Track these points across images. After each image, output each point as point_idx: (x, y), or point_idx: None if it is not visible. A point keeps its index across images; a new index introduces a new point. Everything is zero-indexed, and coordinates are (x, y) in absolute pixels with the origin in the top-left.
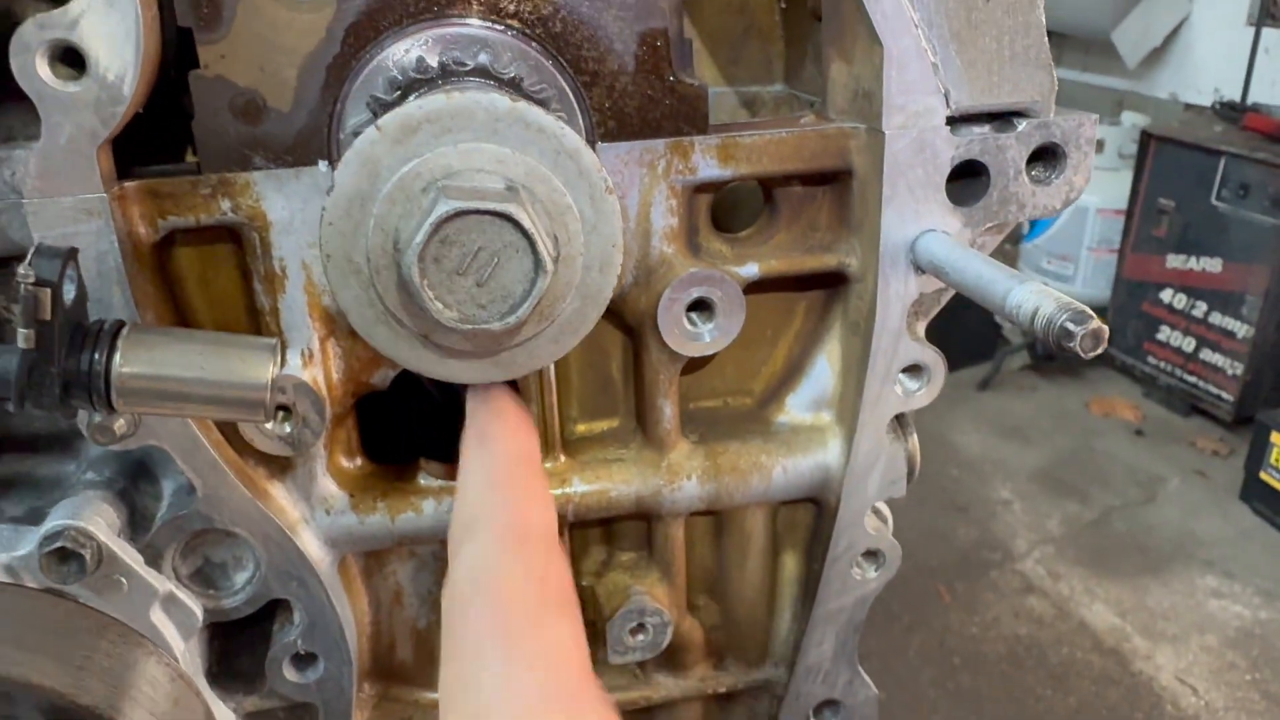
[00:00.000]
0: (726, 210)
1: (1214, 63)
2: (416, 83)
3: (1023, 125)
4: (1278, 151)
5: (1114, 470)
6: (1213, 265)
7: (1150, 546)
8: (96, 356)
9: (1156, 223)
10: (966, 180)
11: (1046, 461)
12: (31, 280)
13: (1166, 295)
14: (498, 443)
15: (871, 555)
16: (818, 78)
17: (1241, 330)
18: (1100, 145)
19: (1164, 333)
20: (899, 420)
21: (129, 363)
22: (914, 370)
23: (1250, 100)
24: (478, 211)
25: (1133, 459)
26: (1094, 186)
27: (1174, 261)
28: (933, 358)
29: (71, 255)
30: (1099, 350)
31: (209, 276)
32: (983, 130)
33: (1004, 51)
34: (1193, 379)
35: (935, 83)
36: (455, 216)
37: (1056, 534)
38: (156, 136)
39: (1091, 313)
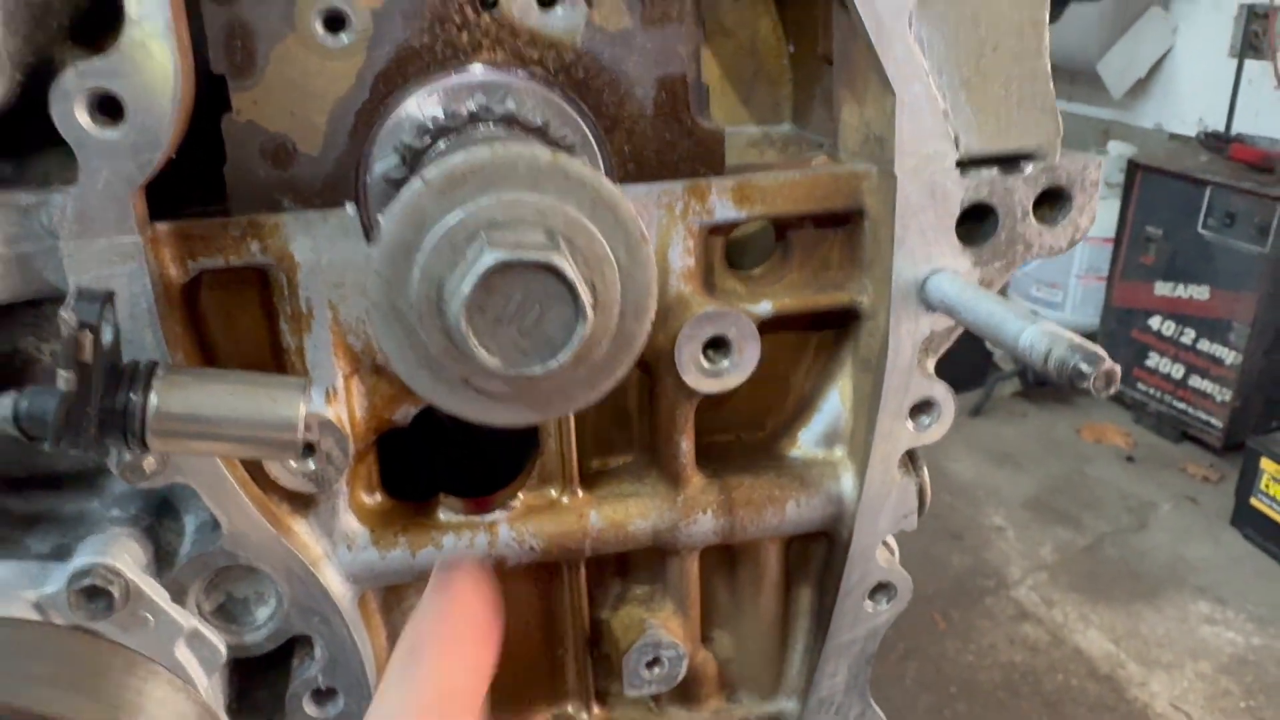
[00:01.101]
0: (738, 247)
1: (1198, 93)
2: (445, 130)
3: (1030, 168)
4: (1263, 181)
5: (1106, 496)
6: (1200, 293)
7: (1143, 573)
8: (132, 397)
9: (1144, 251)
10: (975, 221)
11: (1038, 488)
12: (73, 324)
13: (1155, 322)
14: (430, 667)
15: (883, 588)
16: (825, 119)
17: (1230, 357)
18: None
19: (1153, 359)
20: (910, 455)
21: (164, 402)
22: (925, 406)
23: (1234, 130)
24: (522, 263)
25: (1124, 485)
26: None
27: (1162, 289)
28: (943, 393)
29: (109, 298)
30: (1112, 390)
31: (233, 315)
32: (991, 173)
33: (1011, 98)
34: (1182, 405)
35: (946, 128)
36: (501, 268)
37: (1050, 560)
38: (180, 173)
39: (1103, 353)
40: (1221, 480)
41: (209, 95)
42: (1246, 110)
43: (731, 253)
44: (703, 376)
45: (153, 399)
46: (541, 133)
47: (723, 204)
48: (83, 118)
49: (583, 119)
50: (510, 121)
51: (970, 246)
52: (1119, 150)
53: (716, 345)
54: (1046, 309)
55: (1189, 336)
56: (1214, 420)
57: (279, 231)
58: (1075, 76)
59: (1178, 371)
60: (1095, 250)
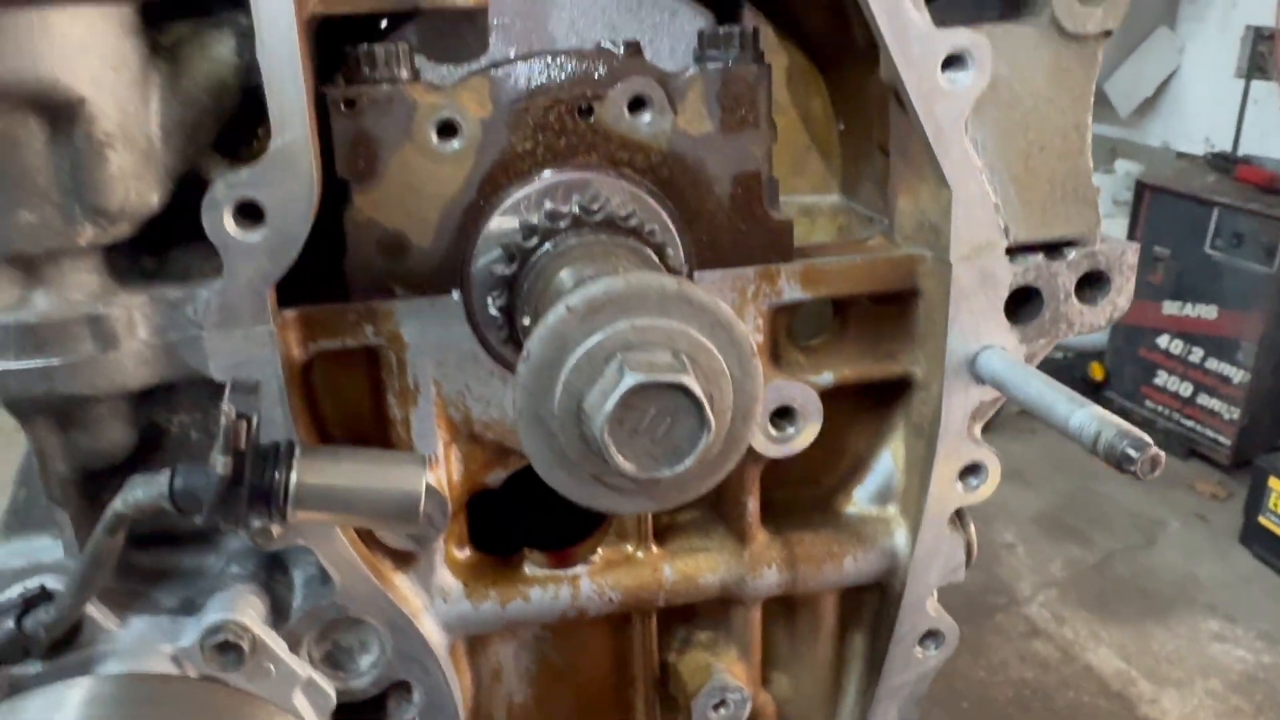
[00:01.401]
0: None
1: (1204, 113)
2: (550, 231)
3: (1072, 254)
4: (1269, 203)
5: (1114, 513)
6: (1208, 312)
7: (1152, 590)
8: (278, 475)
9: (1152, 270)
10: (1022, 302)
11: (1047, 504)
12: (233, 415)
13: (1163, 341)
14: None
15: (932, 635)
16: (874, 195)
17: (1237, 376)
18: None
19: (1161, 378)
20: (958, 512)
21: (304, 480)
22: (974, 469)
23: (1240, 150)
24: (658, 384)
25: (1132, 502)
26: None
27: (1170, 308)
28: (990, 457)
29: (256, 389)
30: (1156, 474)
31: (341, 389)
32: (1037, 259)
33: (1056, 192)
34: (1190, 423)
35: (997, 219)
36: (639, 388)
37: (1060, 577)
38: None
39: (1148, 440)
40: (1230, 498)
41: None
42: (1253, 131)
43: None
44: (770, 443)
45: (294, 478)
46: (638, 233)
47: (791, 287)
48: (229, 224)
49: (666, 213)
50: (610, 224)
51: (1017, 325)
52: (1126, 168)
53: (782, 414)
54: None
55: (1197, 355)
56: (1222, 438)
57: (391, 317)
58: None
59: (1186, 390)
60: None
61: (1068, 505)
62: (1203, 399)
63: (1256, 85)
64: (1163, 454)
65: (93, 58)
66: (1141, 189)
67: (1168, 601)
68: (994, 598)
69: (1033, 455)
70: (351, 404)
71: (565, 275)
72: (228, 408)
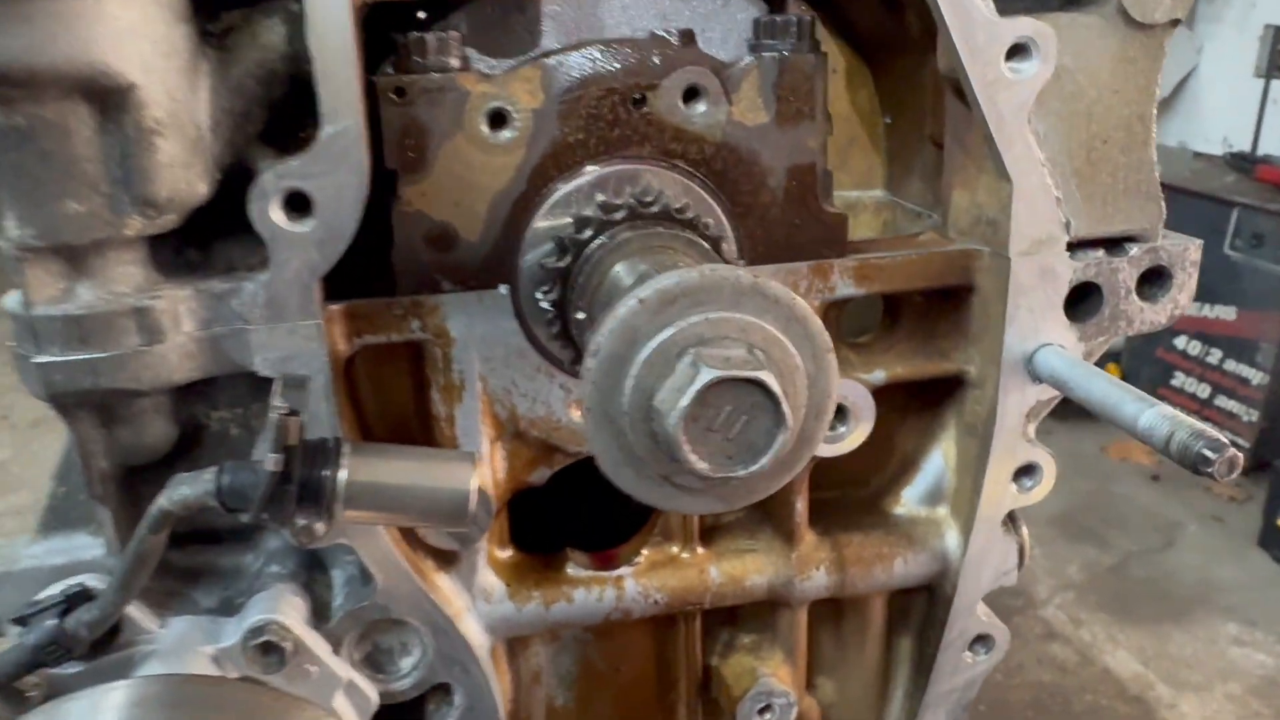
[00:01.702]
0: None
1: (1222, 113)
2: (604, 224)
3: (1134, 250)
4: None
5: (1132, 515)
6: (1227, 313)
7: (1170, 593)
8: (326, 474)
9: None
10: (1081, 298)
11: (1064, 506)
12: (284, 410)
13: (1181, 342)
14: None
15: (982, 639)
16: (922, 190)
17: (1256, 377)
18: None
19: (1179, 379)
20: (1010, 514)
21: (354, 478)
22: (1028, 470)
23: (1260, 150)
24: (734, 379)
25: (1150, 504)
26: None
27: (1188, 309)
28: (1045, 458)
29: (305, 385)
30: (1234, 476)
31: (385, 384)
32: (1098, 255)
33: (1118, 185)
34: (1208, 425)
35: (1058, 214)
36: (714, 384)
37: (1077, 580)
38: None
39: (1225, 440)
40: (1248, 500)
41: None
42: (1272, 130)
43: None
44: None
45: (342, 475)
46: (694, 225)
47: (844, 282)
48: (277, 215)
49: (719, 205)
50: (666, 216)
51: (1076, 322)
52: None
53: (835, 412)
54: None
55: (1215, 356)
56: (1240, 440)
57: (438, 311)
58: None
59: (1204, 391)
60: None
61: (1084, 507)
62: (1221, 400)
63: (1276, 85)
64: (1240, 455)
65: (144, 43)
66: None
67: (1186, 604)
68: (1011, 600)
69: None
70: (395, 400)
71: (622, 269)
72: (280, 403)
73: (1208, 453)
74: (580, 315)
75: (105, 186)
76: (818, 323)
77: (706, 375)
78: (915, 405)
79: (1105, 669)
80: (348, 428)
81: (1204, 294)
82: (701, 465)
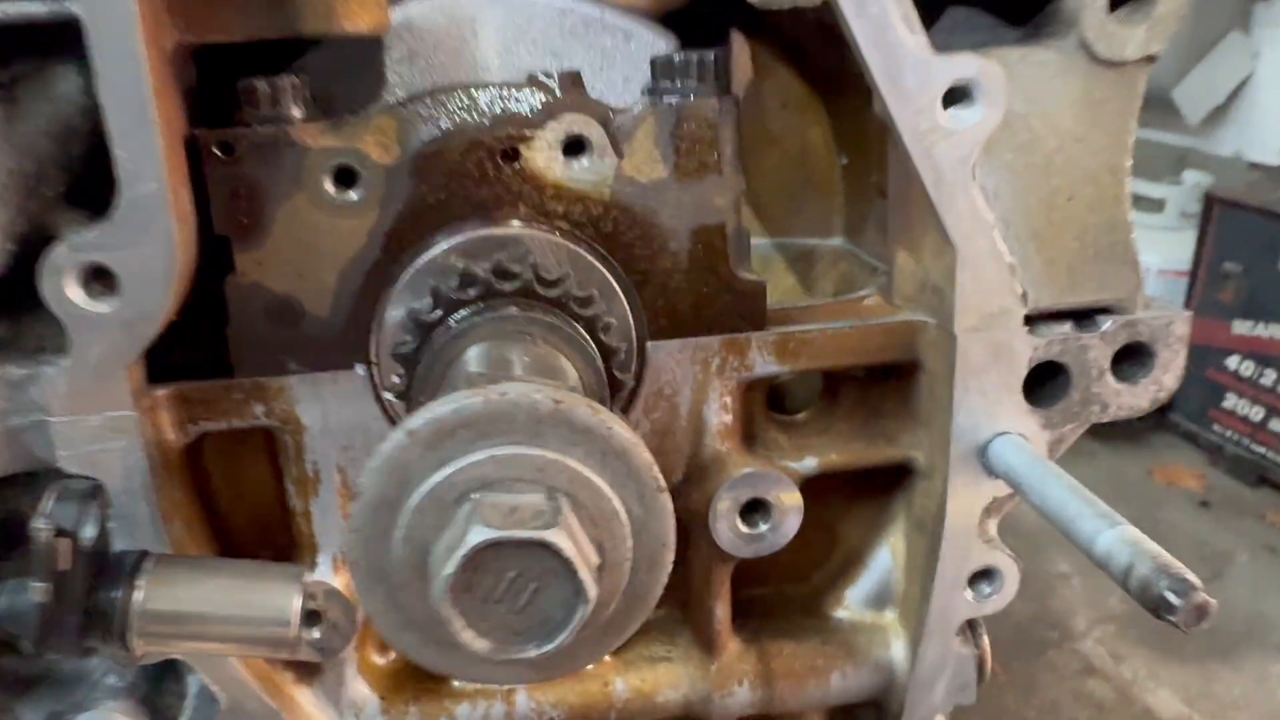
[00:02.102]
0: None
1: (1279, 122)
2: (458, 303)
3: (1107, 324)
4: None
5: (1178, 544)
6: None
7: (1218, 628)
8: (116, 596)
9: (1221, 287)
10: (1046, 378)
11: None
12: (50, 533)
13: (1233, 362)
14: None
15: None
16: (879, 241)
17: None
18: (1161, 205)
19: (1230, 400)
20: (969, 623)
21: (150, 602)
22: (986, 574)
23: None
24: (514, 541)
25: (1198, 532)
26: (1155, 246)
27: (1240, 328)
28: (1006, 562)
29: (94, 493)
30: (1204, 626)
31: (239, 473)
32: (1064, 329)
33: (1087, 250)
34: (1261, 449)
35: (1012, 283)
36: (489, 547)
37: (1118, 612)
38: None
39: (1195, 580)
40: None
41: (215, 246)
42: None
43: (774, 390)
44: (740, 542)
45: (137, 598)
46: (558, 302)
47: (764, 360)
48: (74, 292)
49: (611, 273)
50: (524, 291)
51: (1040, 407)
52: (1195, 179)
53: (755, 507)
54: None
55: (1269, 378)
56: None
57: (285, 394)
58: (1149, 103)
59: (1257, 414)
60: (1169, 283)
61: None
62: (1274, 424)
63: None
64: (1213, 602)
65: None
66: (1210, 202)
67: (1234, 640)
68: (1046, 632)
69: (1092, 479)
70: (252, 489)
71: (469, 358)
72: (41, 525)
73: (1171, 596)
74: None
75: None
76: (643, 456)
77: (477, 536)
78: (861, 491)
79: (1146, 708)
80: (184, 526)
81: (1259, 312)
82: (480, 644)
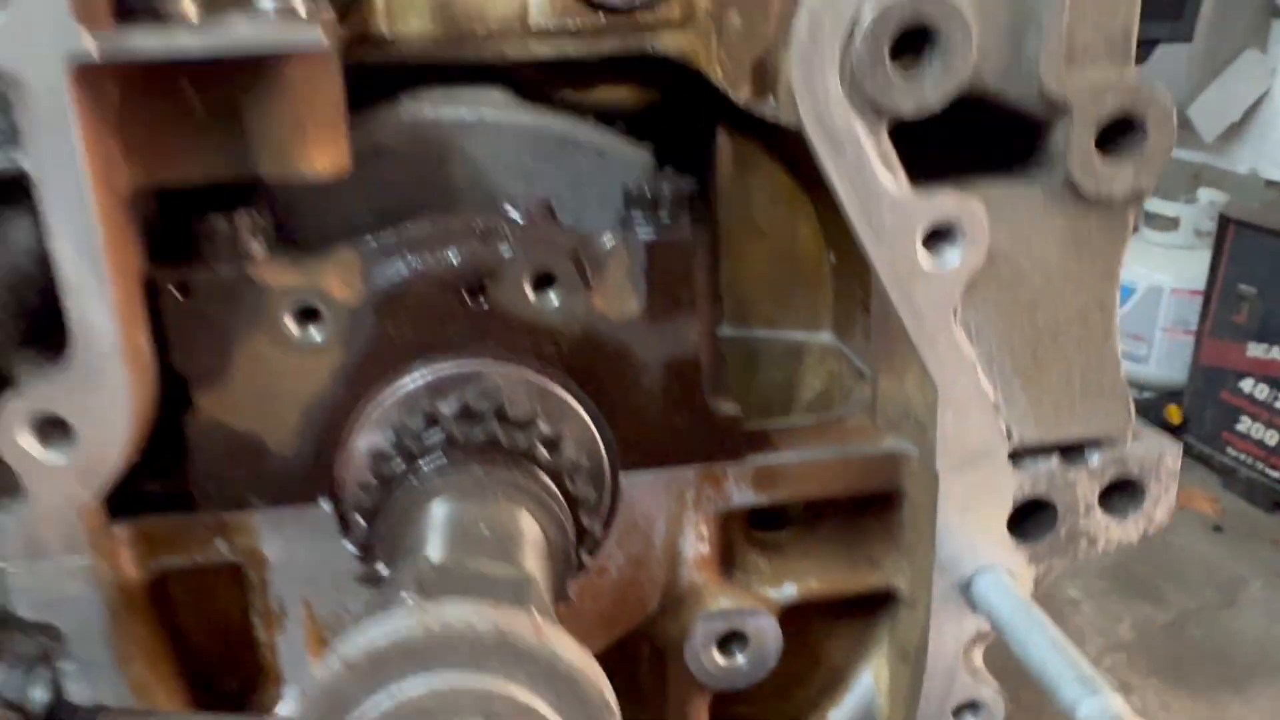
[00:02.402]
0: None
1: None
2: (421, 451)
3: (1095, 459)
4: None
5: (1190, 569)
6: None
7: (1231, 656)
8: None
9: (1236, 309)
10: (1032, 512)
11: (1117, 557)
12: None
13: (1247, 385)
14: None
15: None
16: (866, 349)
17: None
18: (1175, 223)
19: (1244, 424)
20: None
21: None
22: (971, 707)
23: None
24: None
25: (1211, 557)
26: (1169, 265)
27: (1255, 350)
28: (991, 696)
29: (43, 658)
30: None
31: (206, 605)
32: (1050, 464)
33: (1074, 386)
34: (1276, 474)
35: (996, 423)
36: None
37: (1128, 639)
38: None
39: None
40: None
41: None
42: None
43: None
44: (717, 674)
45: None
46: (524, 453)
47: (741, 490)
48: (26, 442)
49: (582, 406)
50: (487, 444)
51: (1025, 542)
52: (1210, 197)
53: (732, 638)
54: (1129, 362)
55: None
56: None
57: (248, 529)
58: None
59: (1271, 437)
60: (1183, 302)
61: (1139, 559)
62: None
63: None
64: None
65: None
66: (1226, 223)
67: (1247, 669)
68: None
69: None
70: (222, 625)
71: (429, 523)
72: None
73: None
74: (382, 568)
75: None
76: (595, 679)
77: None
78: (845, 614)
79: None
80: (147, 663)
81: (1273, 335)
82: None
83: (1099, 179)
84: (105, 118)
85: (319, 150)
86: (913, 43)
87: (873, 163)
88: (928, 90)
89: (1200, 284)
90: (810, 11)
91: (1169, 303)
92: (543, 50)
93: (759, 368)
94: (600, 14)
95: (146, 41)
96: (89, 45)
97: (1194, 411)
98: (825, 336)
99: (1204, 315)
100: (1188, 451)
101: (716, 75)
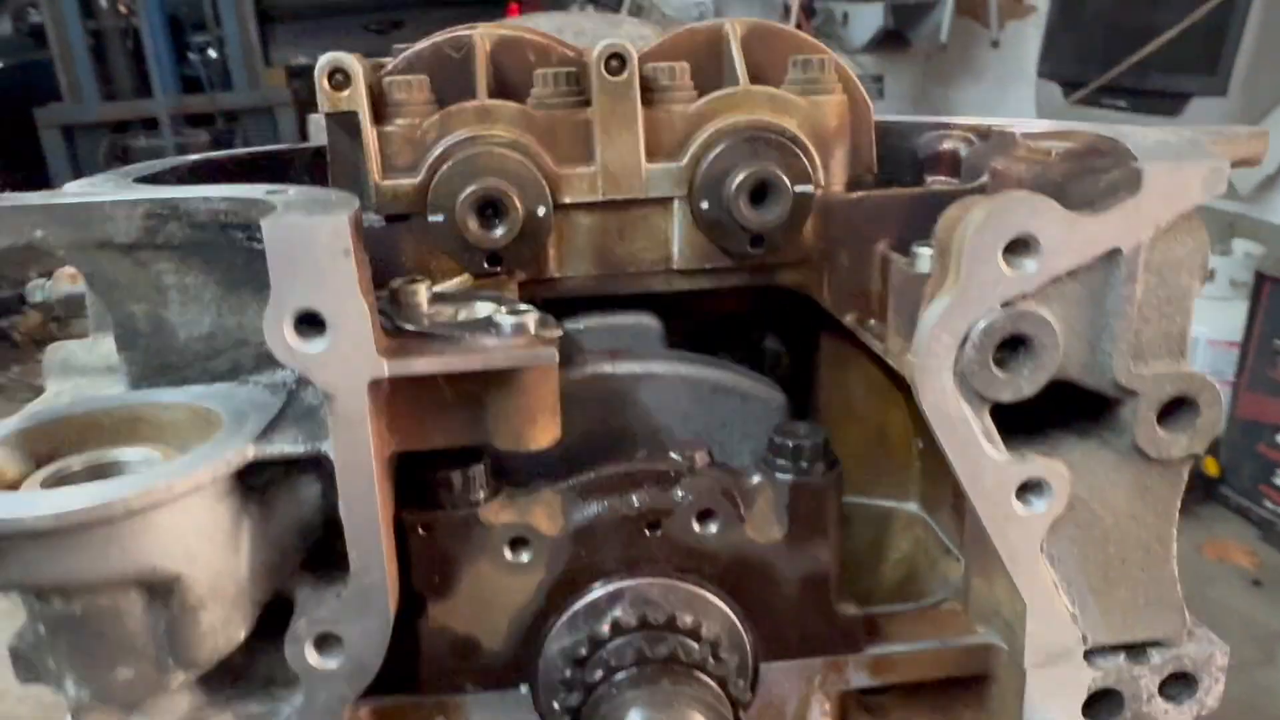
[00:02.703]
0: None
1: None
2: (620, 662)
3: (1156, 656)
4: None
5: (1228, 624)
6: None
7: (1270, 714)
8: None
9: (1273, 365)
10: (1102, 698)
11: None
12: None
13: None
14: None
15: None
16: (953, 528)
17: None
18: (1211, 274)
19: None
20: None
21: None
22: None
23: None
24: None
25: (1249, 611)
26: (1205, 317)
27: None
28: None
29: None
30: None
31: None
32: (1118, 660)
33: (1138, 600)
34: None
35: (1074, 630)
36: None
37: None
38: None
39: None
40: None
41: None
42: None
43: None
44: None
45: None
46: (698, 664)
47: (858, 675)
48: (310, 656)
49: (731, 610)
50: (670, 658)
51: None
52: (1245, 249)
53: None
54: None
55: None
56: None
57: (461, 709)
58: None
59: None
60: (1220, 353)
61: None
62: None
63: None
64: None
65: (189, 538)
66: (1261, 280)
67: None
68: None
69: None
70: None
71: None
72: None
73: None
74: None
75: (152, 652)
76: None
77: None
78: None
79: None
80: None
81: None
82: None
83: (1160, 446)
84: (379, 408)
85: (542, 430)
86: (1009, 342)
87: (978, 438)
88: (1023, 384)
89: (1236, 335)
90: (929, 329)
91: (1206, 354)
92: (683, 285)
93: (851, 526)
94: (730, 258)
95: (427, 365)
96: (386, 370)
97: (1231, 464)
98: (912, 506)
99: (1240, 369)
100: (1225, 503)
101: (826, 302)
